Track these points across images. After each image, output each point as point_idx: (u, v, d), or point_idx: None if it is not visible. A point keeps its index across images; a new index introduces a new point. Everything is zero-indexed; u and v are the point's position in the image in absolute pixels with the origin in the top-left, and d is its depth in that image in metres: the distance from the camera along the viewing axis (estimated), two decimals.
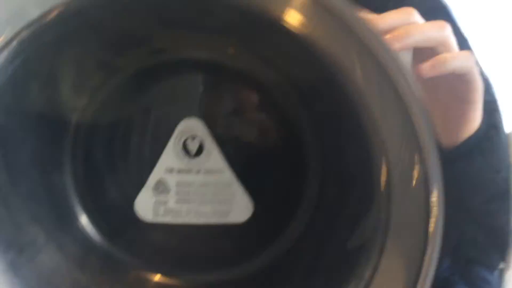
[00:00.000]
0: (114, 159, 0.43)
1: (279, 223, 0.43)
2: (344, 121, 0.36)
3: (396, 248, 0.32)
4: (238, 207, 0.42)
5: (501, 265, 0.49)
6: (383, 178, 0.31)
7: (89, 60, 0.39)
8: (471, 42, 0.51)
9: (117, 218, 0.43)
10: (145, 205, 0.41)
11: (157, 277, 0.42)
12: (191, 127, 0.40)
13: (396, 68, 0.27)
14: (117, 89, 0.43)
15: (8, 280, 0.33)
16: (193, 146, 0.40)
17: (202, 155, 0.40)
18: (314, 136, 0.41)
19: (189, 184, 0.41)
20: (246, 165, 0.42)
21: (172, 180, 0.41)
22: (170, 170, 0.40)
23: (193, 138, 0.40)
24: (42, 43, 0.33)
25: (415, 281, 0.31)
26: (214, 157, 0.41)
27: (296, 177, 0.42)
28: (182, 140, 0.40)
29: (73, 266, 0.39)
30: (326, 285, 0.38)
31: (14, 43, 0.31)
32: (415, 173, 0.30)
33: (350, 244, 0.37)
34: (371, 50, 0.27)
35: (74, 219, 0.41)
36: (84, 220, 0.42)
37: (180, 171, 0.40)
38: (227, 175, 0.41)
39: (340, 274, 0.36)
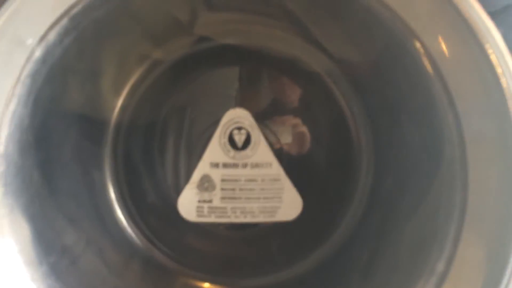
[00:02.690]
0: (154, 158, 0.40)
1: (330, 220, 0.40)
2: (407, 104, 0.33)
3: (474, 235, 0.29)
4: (287, 204, 0.39)
5: None
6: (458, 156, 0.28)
7: (130, 53, 0.38)
8: None
9: (159, 219, 0.40)
10: (189, 204, 0.39)
11: (206, 285, 0.39)
12: (237, 119, 0.38)
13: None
14: (155, 84, 0.41)
15: (51, 285, 0.31)
16: (239, 138, 0.38)
17: (249, 148, 0.38)
18: (368, 126, 0.39)
19: (235, 180, 0.38)
20: (294, 159, 0.40)
21: (217, 176, 0.38)
22: (216, 165, 0.38)
23: (239, 129, 0.38)
24: (81, 35, 0.32)
25: (499, 278, 0.26)
26: (261, 150, 0.38)
27: (347, 171, 0.40)
28: (228, 132, 0.38)
29: (114, 271, 0.37)
30: (388, 285, 0.35)
31: (50, 37, 0.30)
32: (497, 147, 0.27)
33: (414, 235, 0.34)
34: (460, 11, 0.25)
35: (114, 221, 0.39)
36: (124, 221, 0.39)
37: (226, 166, 0.38)
38: (275, 168, 0.38)
39: (404, 270, 0.33)
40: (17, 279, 0.29)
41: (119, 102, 0.40)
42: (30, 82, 0.29)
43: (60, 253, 0.33)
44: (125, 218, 0.39)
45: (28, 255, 0.30)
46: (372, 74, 0.36)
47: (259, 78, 0.40)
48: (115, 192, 0.39)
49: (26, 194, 0.31)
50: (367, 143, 0.39)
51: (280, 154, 0.39)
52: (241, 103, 0.39)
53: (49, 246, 0.32)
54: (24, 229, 0.31)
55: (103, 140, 0.39)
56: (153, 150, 0.40)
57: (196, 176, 0.38)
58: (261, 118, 0.39)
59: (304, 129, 0.40)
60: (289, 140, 0.40)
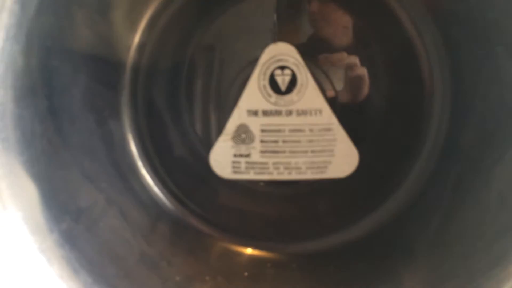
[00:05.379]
0: (180, 105, 0.34)
1: (391, 178, 0.34)
2: (506, 32, 0.25)
3: None
4: (340, 158, 0.32)
5: None
6: None
7: None
8: None
9: (189, 176, 0.35)
10: (223, 159, 0.33)
11: (249, 250, 0.34)
12: (280, 56, 0.31)
13: None
14: (177, 15, 0.34)
15: (64, 255, 0.26)
16: (283, 80, 0.31)
17: (294, 91, 0.31)
18: (445, 63, 0.31)
19: (278, 130, 0.32)
20: (349, 104, 0.33)
21: (256, 126, 0.32)
22: (254, 113, 0.32)
23: (283, 68, 0.31)
24: None
25: None
26: (309, 94, 0.31)
27: (415, 119, 0.33)
28: (269, 72, 0.31)
29: (139, 235, 0.32)
30: (465, 260, 0.29)
31: None
32: None
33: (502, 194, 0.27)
34: None
35: (137, 178, 0.34)
36: (148, 179, 0.34)
37: (266, 113, 0.32)
38: (326, 116, 0.32)
39: (485, 244, 0.27)
40: (21, 250, 0.25)
41: (136, 39, 0.33)
42: (19, 10, 0.23)
43: (75, 217, 0.28)
44: (150, 174, 0.34)
45: (35, 222, 0.25)
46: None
47: (300, 7, 0.32)
48: (137, 145, 0.34)
49: (28, 151, 0.26)
50: (443, 84, 0.31)
51: (332, 99, 0.32)
52: (281, 37, 0.32)
53: (61, 210, 0.27)
54: (28, 192, 0.26)
55: (119, 84, 0.33)
56: (178, 97, 0.34)
57: (230, 126, 0.32)
58: (308, 55, 0.31)
59: (361, 68, 0.32)
60: (342, 82, 0.32)
